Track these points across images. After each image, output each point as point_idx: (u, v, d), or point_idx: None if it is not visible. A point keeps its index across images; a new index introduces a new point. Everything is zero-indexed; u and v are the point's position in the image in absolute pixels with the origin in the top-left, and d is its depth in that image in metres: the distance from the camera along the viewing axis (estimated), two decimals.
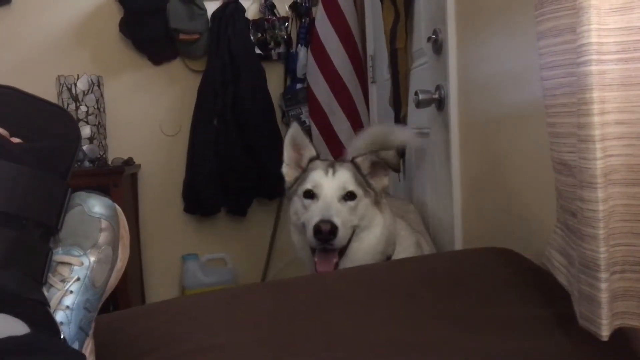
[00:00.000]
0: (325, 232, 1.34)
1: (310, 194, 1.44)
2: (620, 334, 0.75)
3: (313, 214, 1.39)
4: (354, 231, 1.44)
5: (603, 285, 0.69)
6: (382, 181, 1.51)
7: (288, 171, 1.55)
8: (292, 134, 1.53)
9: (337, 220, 1.36)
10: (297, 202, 1.48)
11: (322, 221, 1.35)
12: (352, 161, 1.51)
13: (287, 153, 1.54)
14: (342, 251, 1.41)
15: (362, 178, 1.48)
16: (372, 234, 1.46)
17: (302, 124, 2.83)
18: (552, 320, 0.86)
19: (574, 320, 0.77)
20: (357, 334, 0.87)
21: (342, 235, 1.37)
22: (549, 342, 0.82)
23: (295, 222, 1.50)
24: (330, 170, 1.45)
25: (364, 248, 1.45)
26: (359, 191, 1.44)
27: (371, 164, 1.50)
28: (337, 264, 1.39)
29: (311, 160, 1.52)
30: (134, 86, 2.91)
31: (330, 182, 1.43)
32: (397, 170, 1.55)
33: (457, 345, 0.82)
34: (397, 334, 0.86)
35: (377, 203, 1.49)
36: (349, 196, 1.43)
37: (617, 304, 0.71)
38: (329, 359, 0.80)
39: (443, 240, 1.71)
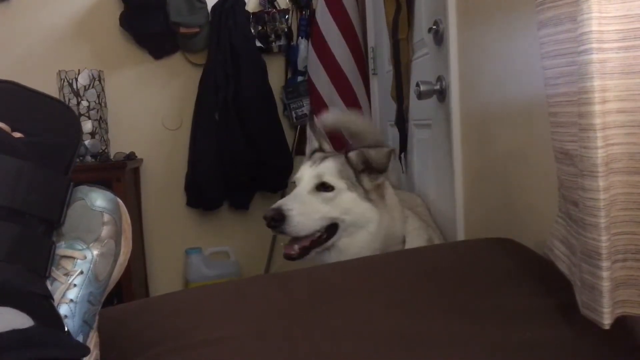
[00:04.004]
0: (267, 218, 1.35)
1: (294, 186, 1.46)
2: (622, 322, 0.75)
3: None
4: (338, 225, 1.41)
5: (605, 274, 0.69)
6: (374, 179, 1.45)
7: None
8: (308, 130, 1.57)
9: (287, 208, 1.36)
10: None
11: (271, 209, 1.36)
12: (346, 155, 1.47)
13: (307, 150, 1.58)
14: (321, 242, 1.41)
15: (351, 172, 1.43)
16: (365, 230, 1.42)
17: (304, 117, 2.83)
18: (554, 310, 0.86)
19: (576, 309, 0.77)
20: (360, 325, 0.87)
21: (298, 222, 1.36)
22: (552, 331, 0.82)
23: None
24: (317, 162, 1.45)
25: (358, 244, 1.42)
26: (339, 184, 1.41)
27: (364, 160, 1.45)
28: (305, 248, 1.39)
29: (313, 152, 1.52)
30: (135, 80, 2.91)
31: (309, 173, 1.43)
32: (381, 172, 1.48)
33: (459, 336, 0.82)
34: (399, 325, 0.86)
35: (369, 199, 1.43)
36: (324, 187, 1.41)
37: (618, 292, 0.71)
38: (332, 349, 0.81)
39: (445, 231, 1.71)
